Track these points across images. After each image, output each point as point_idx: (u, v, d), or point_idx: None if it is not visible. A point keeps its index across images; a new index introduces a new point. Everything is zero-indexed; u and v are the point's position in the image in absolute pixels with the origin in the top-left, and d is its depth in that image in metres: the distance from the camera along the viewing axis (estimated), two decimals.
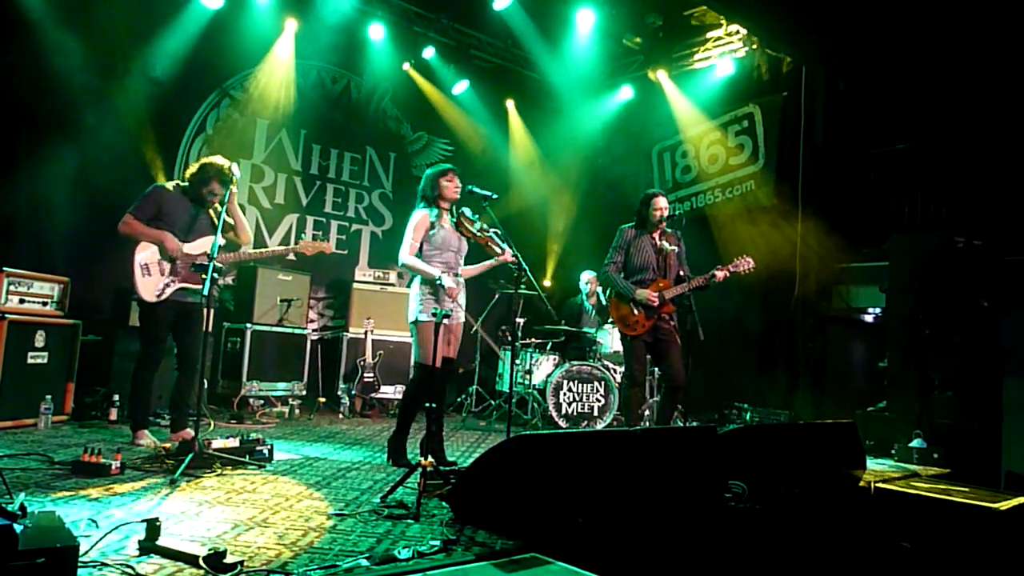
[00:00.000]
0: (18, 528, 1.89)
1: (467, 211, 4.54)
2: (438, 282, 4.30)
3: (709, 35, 8.68)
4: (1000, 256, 6.10)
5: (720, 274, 5.11)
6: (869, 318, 7.61)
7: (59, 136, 6.16)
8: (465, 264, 4.69)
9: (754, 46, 8.34)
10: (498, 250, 4.51)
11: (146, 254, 4.59)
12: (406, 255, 4.40)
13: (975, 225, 6.84)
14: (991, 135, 6.75)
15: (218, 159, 4.68)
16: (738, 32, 8.37)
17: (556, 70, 9.13)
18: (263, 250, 4.94)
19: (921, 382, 6.12)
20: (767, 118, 8.42)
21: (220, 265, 4.49)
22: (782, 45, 8.08)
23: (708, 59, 8.77)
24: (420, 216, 4.45)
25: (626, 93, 9.36)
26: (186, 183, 4.74)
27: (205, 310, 4.11)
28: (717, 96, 8.78)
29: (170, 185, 4.77)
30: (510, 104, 9.63)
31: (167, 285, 4.60)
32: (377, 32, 8.18)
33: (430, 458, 3.61)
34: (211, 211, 4.82)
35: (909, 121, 7.40)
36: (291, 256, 4.89)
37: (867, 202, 7.78)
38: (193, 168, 4.73)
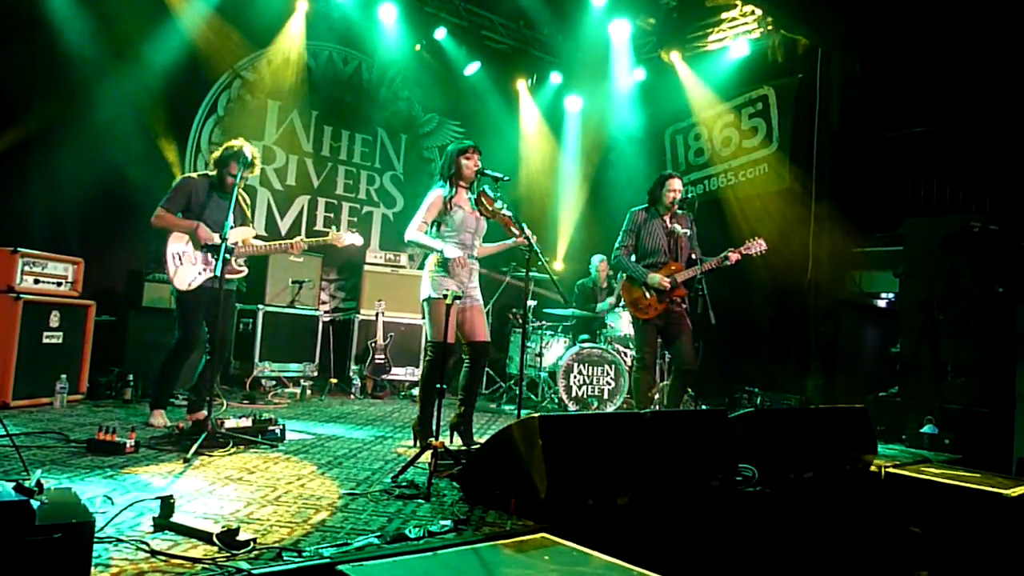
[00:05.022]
0: (35, 504, 1.91)
1: (488, 189, 4.45)
2: (442, 253, 4.27)
3: (723, 16, 8.58)
4: (1016, 241, 6.04)
5: (733, 256, 5.08)
6: (882, 303, 7.57)
7: (72, 118, 6.17)
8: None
9: (769, 27, 8.23)
10: (515, 231, 4.44)
11: (179, 244, 4.62)
12: (412, 232, 4.35)
13: (991, 210, 6.77)
14: (1009, 119, 6.66)
15: (239, 141, 4.70)
16: (753, 13, 8.27)
17: (568, 51, 9.06)
18: (295, 240, 4.90)
19: (934, 367, 6.09)
20: (781, 100, 8.34)
21: (232, 246, 4.52)
22: (797, 26, 7.97)
23: (722, 40, 8.68)
24: (434, 196, 4.39)
25: (639, 75, 9.28)
26: (213, 173, 4.77)
27: (222, 292, 4.16)
28: (731, 78, 8.70)
29: (197, 176, 4.83)
30: (521, 85, 9.56)
31: (200, 273, 4.64)
32: (388, 13, 8.13)
33: (441, 439, 3.63)
34: (241, 199, 4.84)
35: (926, 104, 7.31)
36: (304, 246, 4.88)
37: (882, 186, 7.71)
38: (216, 154, 4.76)
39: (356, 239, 4.95)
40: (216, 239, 4.63)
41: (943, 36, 6.99)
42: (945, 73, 7.08)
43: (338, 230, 5.05)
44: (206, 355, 4.70)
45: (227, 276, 4.64)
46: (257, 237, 4.97)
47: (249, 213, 4.94)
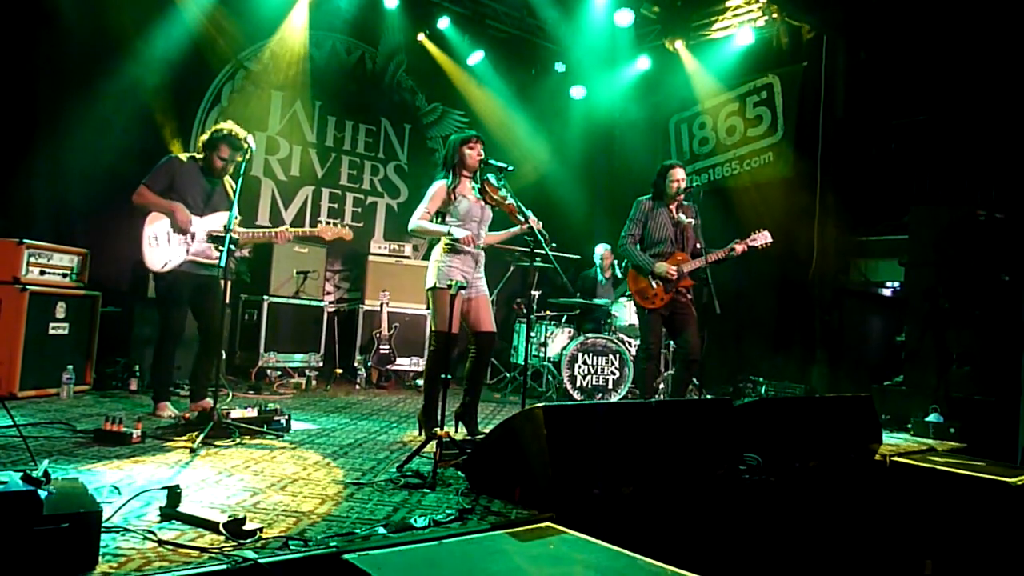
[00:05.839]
0: (42, 494, 1.92)
1: (492, 178, 4.45)
2: (449, 235, 4.29)
3: (728, 3, 8.51)
4: (1022, 230, 6.01)
5: (740, 248, 5.09)
6: (887, 292, 7.55)
7: (76, 109, 6.17)
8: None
9: (774, 15, 8.17)
10: (521, 218, 4.42)
11: (156, 225, 4.59)
12: (416, 220, 4.38)
13: (997, 198, 6.74)
14: (1017, 107, 6.62)
15: (228, 124, 4.68)
16: (758, 0, 8.21)
17: (572, 40, 9.01)
18: (279, 229, 4.86)
19: (939, 356, 6.08)
20: (786, 89, 8.29)
21: (236, 237, 4.50)
22: (802, 13, 7.92)
23: (727, 28, 8.62)
24: (437, 187, 4.41)
25: (643, 63, 9.23)
26: (201, 155, 4.73)
27: (222, 282, 4.14)
28: (735, 66, 8.66)
29: (184, 157, 4.76)
30: (525, 74, 9.51)
31: (175, 256, 4.60)
32: (391, 1, 8.10)
33: (446, 428, 3.63)
34: (227, 185, 4.82)
35: (931, 92, 7.26)
36: (289, 236, 4.84)
37: (887, 174, 7.68)
38: (204, 136, 4.73)
39: (346, 233, 4.85)
40: (194, 222, 4.62)
41: (949, 22, 6.94)
42: (951, 60, 7.02)
43: (342, 221, 5.01)
44: (198, 345, 4.71)
45: (203, 260, 4.64)
46: (259, 227, 4.96)
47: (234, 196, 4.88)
